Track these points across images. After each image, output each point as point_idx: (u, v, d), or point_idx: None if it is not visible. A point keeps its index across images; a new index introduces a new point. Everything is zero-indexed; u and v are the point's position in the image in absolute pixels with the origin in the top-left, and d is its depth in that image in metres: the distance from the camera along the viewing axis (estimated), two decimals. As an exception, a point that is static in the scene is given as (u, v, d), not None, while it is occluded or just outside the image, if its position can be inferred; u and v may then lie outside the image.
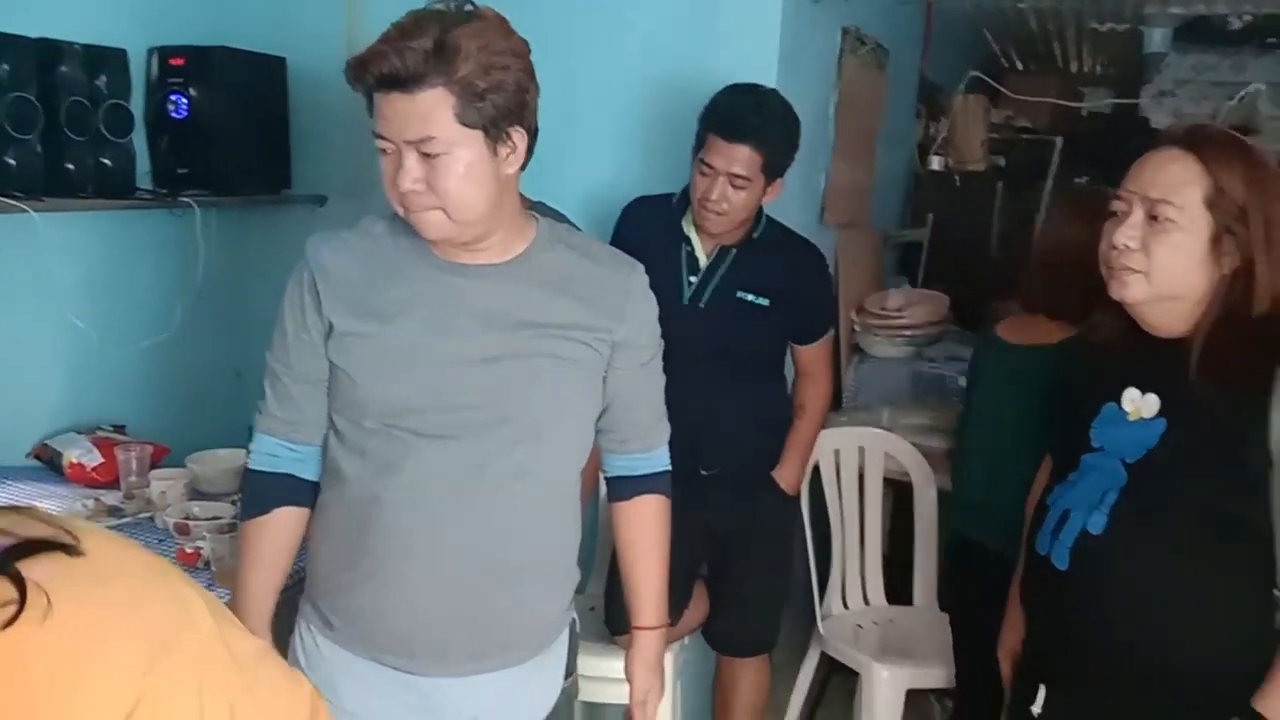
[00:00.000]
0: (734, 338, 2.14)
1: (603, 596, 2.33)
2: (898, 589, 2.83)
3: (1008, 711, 1.73)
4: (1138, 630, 1.41)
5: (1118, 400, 1.47)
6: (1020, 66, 5.96)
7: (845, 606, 2.76)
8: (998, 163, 4.35)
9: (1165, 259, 1.36)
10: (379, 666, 1.37)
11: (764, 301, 2.13)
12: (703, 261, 2.15)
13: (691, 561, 2.30)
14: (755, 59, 2.38)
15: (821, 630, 2.65)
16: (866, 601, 2.81)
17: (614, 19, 2.47)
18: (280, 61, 2.64)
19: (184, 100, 2.37)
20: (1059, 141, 4.40)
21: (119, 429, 2.31)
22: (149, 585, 0.69)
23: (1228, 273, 1.36)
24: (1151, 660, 1.41)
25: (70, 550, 0.65)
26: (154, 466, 2.14)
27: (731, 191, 2.02)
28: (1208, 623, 1.39)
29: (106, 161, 2.20)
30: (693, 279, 2.14)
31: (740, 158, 1.99)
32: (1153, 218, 1.37)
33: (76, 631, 0.61)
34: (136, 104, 2.33)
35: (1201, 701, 1.40)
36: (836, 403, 3.33)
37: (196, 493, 2.09)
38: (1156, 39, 4.57)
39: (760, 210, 2.14)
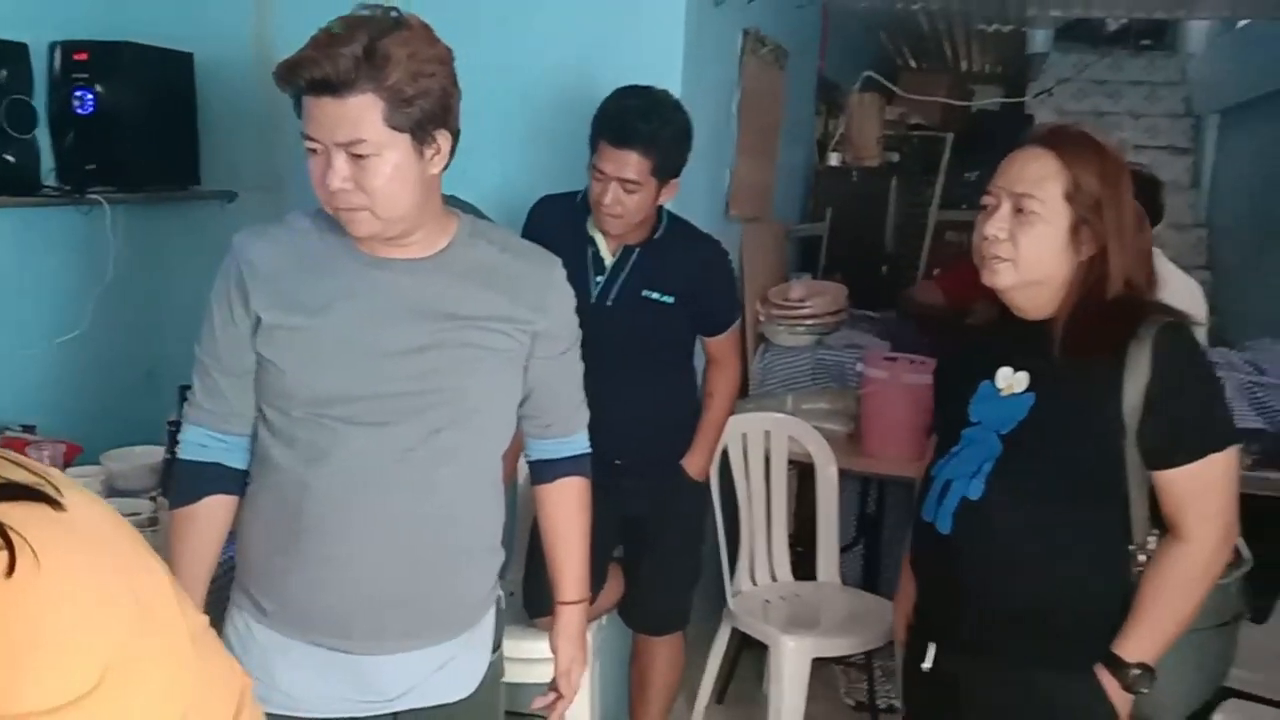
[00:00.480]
0: (642, 335, 2.21)
1: (521, 582, 2.40)
2: (805, 565, 2.98)
3: (902, 670, 1.87)
4: (1012, 585, 1.55)
5: (992, 378, 1.61)
6: (914, 65, 6.23)
7: (754, 583, 2.89)
8: (892, 158, 4.55)
9: (1030, 248, 1.50)
10: (314, 648, 1.42)
11: (669, 299, 2.20)
12: (608, 261, 2.21)
13: (606, 545, 2.39)
14: (660, 59, 2.47)
15: (732, 607, 2.78)
16: (774, 578, 2.94)
17: (519, 19, 2.52)
18: (187, 57, 2.63)
19: (90, 96, 2.35)
20: (949, 138, 4.63)
21: (28, 429, 2.29)
22: (136, 554, 0.70)
23: (1084, 259, 1.50)
24: (1024, 612, 1.55)
25: (54, 504, 0.64)
26: (67, 465, 2.13)
27: (624, 195, 2.08)
28: (1073, 576, 1.53)
29: (9, 158, 2.18)
30: (599, 279, 2.20)
31: (629, 163, 2.05)
32: (1019, 210, 1.50)
33: (65, 588, 0.61)
34: (39, 99, 2.31)
35: (1070, 647, 1.55)
36: (744, 390, 3.47)
37: (113, 490, 2.09)
38: (1039, 40, 4.84)
39: (661, 209, 2.22)
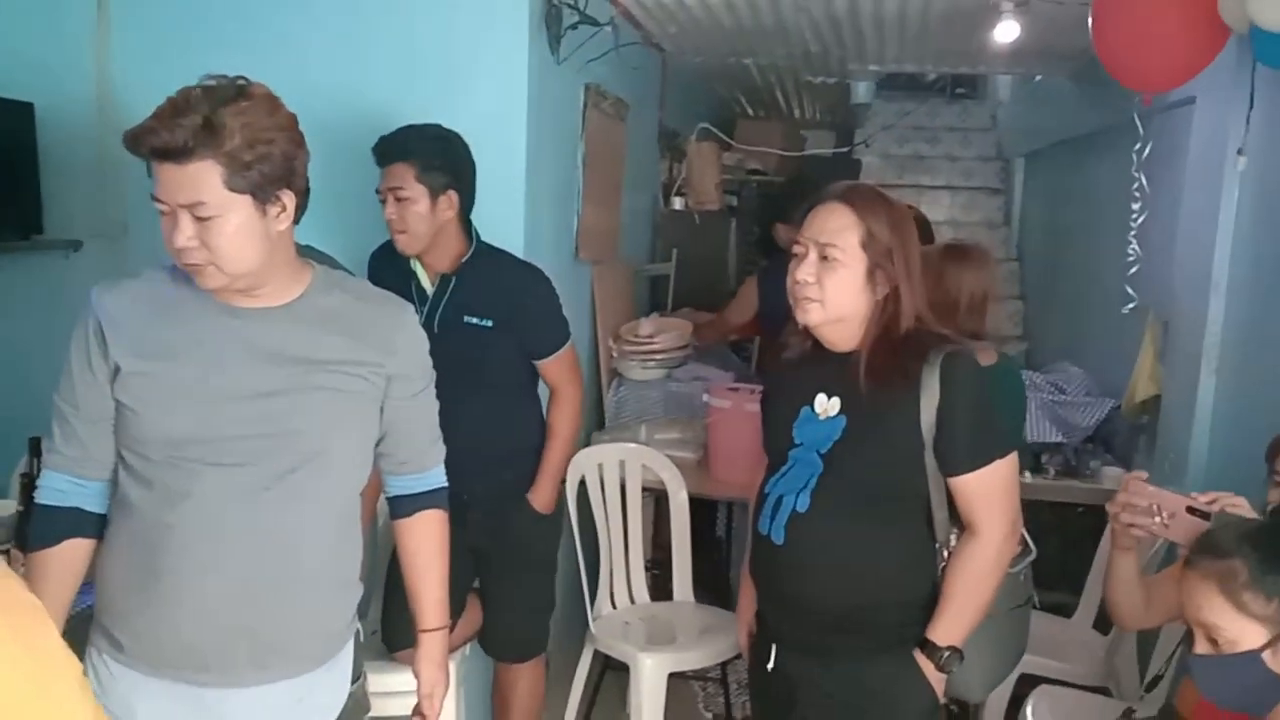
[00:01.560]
0: (470, 361, 2.28)
1: (379, 620, 2.44)
2: (664, 586, 3.13)
3: (749, 673, 2.04)
4: (837, 584, 1.74)
5: (811, 404, 1.81)
6: (750, 113, 6.58)
7: (614, 606, 3.02)
8: (731, 202, 4.82)
9: (834, 289, 1.71)
10: (171, 683, 1.46)
11: (488, 323, 2.30)
12: (428, 290, 2.32)
13: (461, 577, 2.46)
14: (505, 114, 2.61)
15: (593, 630, 2.90)
16: (633, 600, 3.08)
17: (362, 81, 2.62)
18: (28, 107, 2.61)
19: (-73, 147, 2.32)
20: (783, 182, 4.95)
21: None
22: (36, 622, 0.73)
23: (880, 298, 1.72)
24: (851, 609, 1.74)
25: None
26: (-93, 523, 2.07)
27: (401, 209, 2.23)
28: (889, 574, 1.74)
29: None
30: (423, 309, 2.30)
31: (395, 174, 2.22)
32: (824, 257, 1.71)
33: None
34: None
35: (891, 637, 1.75)
36: (600, 422, 3.63)
37: (-39, 546, 2.05)
38: (861, 91, 5.22)
39: (473, 236, 2.34)
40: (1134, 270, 2.80)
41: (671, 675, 3.15)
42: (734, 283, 4.78)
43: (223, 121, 1.33)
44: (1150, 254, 3.12)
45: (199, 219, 1.36)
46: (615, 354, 3.58)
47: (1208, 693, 1.39)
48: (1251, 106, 2.53)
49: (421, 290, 2.33)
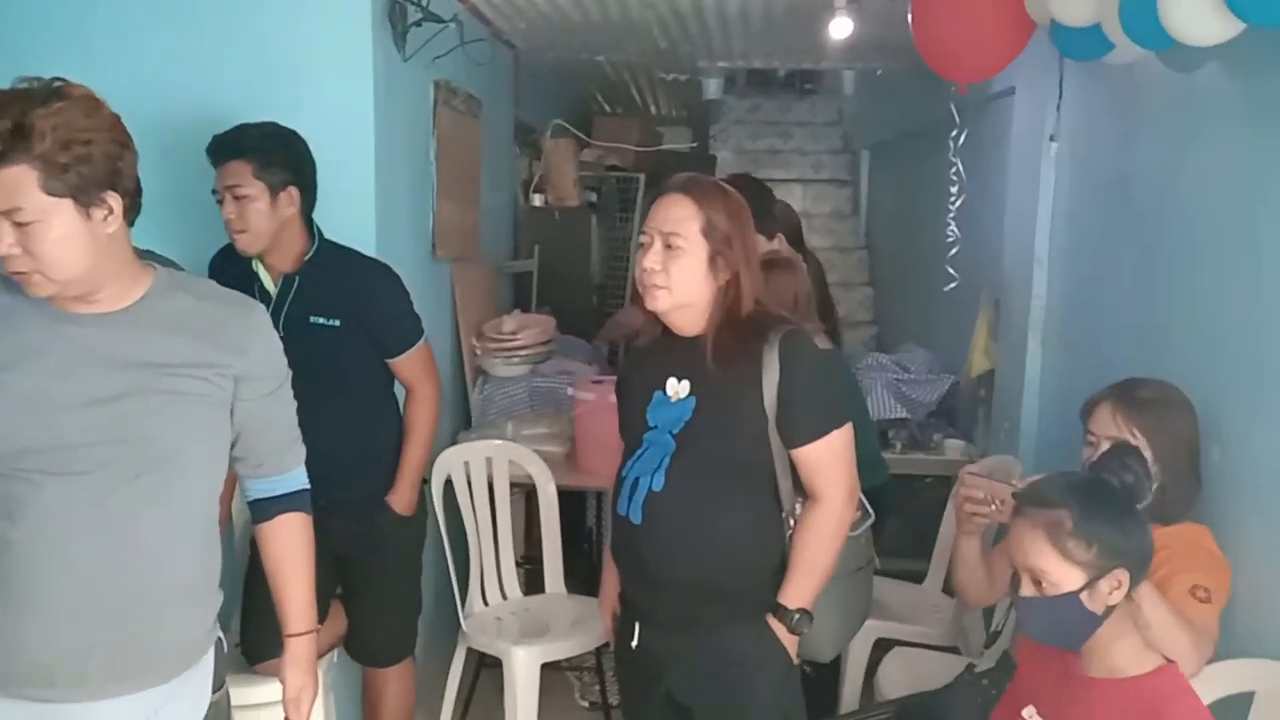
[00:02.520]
0: (319, 363, 2.20)
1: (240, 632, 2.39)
2: (539, 581, 3.14)
3: (615, 654, 2.09)
4: (693, 557, 1.80)
5: (663, 388, 1.88)
6: (608, 110, 6.65)
7: (485, 603, 3.03)
8: (591, 198, 4.87)
9: (679, 276, 1.78)
10: (20, 701, 1.41)
11: (335, 322, 2.27)
12: (271, 291, 2.28)
13: (325, 583, 2.42)
14: (351, 112, 2.59)
15: (465, 628, 2.90)
16: (504, 596, 3.09)
17: (201, 81, 2.55)
18: None
19: None
20: (642, 178, 5.02)
21: None
22: None
23: (722, 284, 1.80)
24: (706, 578, 1.81)
25: None
26: None
27: (240, 207, 2.19)
28: (741, 545, 1.82)
29: None
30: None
31: (232, 172, 2.18)
32: (668, 246, 1.78)
33: None
34: None
35: (746, 605, 1.83)
36: (466, 421, 3.62)
37: None
38: (712, 88, 5.35)
39: (315, 234, 2.31)
40: (954, 251, 2.98)
41: (547, 667, 3.18)
42: (600, 276, 4.84)
43: (33, 124, 1.30)
44: (983, 236, 3.32)
45: (18, 225, 1.33)
46: (479, 352, 3.58)
47: (1031, 631, 1.52)
48: (1061, 95, 2.74)
49: (264, 292, 2.28)
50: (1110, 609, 1.40)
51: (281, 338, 2.19)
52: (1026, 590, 1.43)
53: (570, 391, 3.38)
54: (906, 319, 4.94)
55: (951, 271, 2.99)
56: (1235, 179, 1.96)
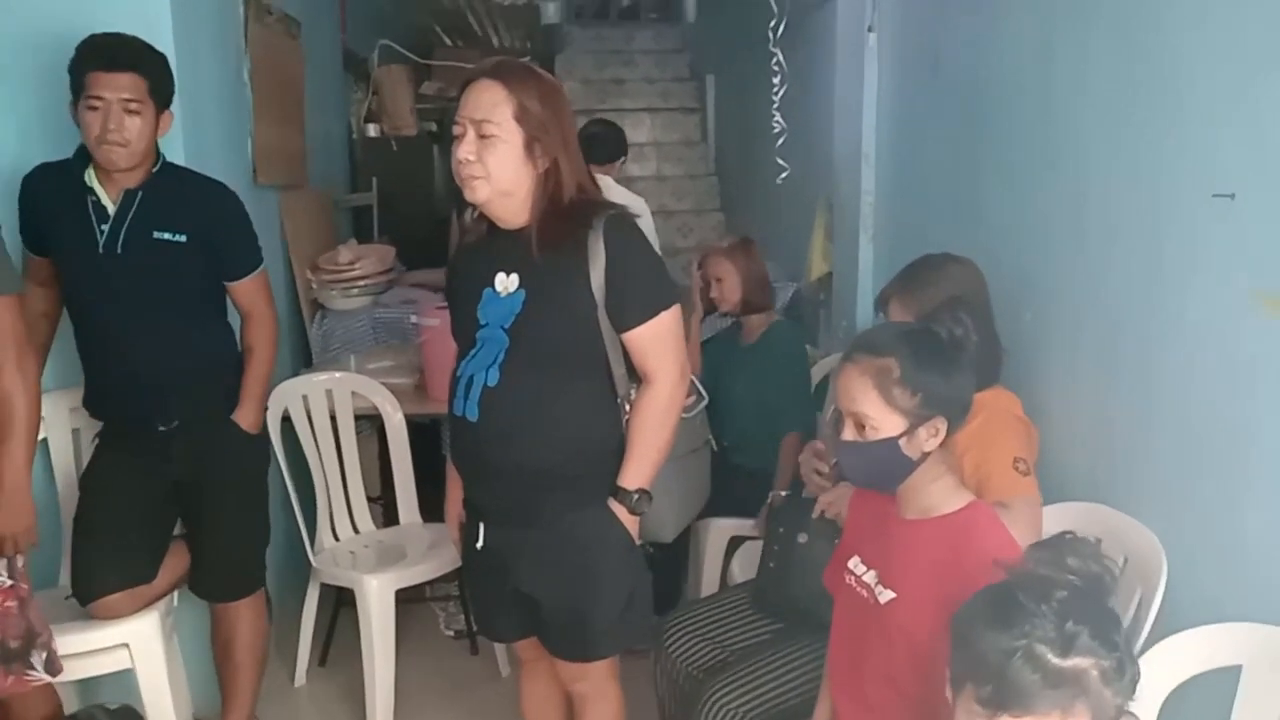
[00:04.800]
0: (160, 281, 2.18)
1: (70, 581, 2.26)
2: (396, 515, 3.08)
3: (462, 560, 2.06)
4: (532, 448, 1.77)
5: (492, 284, 1.83)
6: (449, 42, 6.45)
7: (336, 539, 2.95)
8: (430, 128, 4.72)
9: (495, 164, 1.73)
10: None
11: (181, 238, 2.19)
12: (110, 209, 2.16)
13: (162, 519, 2.33)
14: (148, 23, 2.39)
15: (315, 563, 2.81)
16: (356, 530, 3.02)
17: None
18: None
19: None
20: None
21: None
22: None
23: (541, 171, 1.76)
24: (545, 468, 1.79)
25: None
26: None
27: (128, 119, 2.09)
28: (577, 431, 1.80)
29: None
30: (104, 227, 2.15)
31: (125, 84, 2.08)
32: (481, 135, 1.72)
33: None
34: None
35: (587, 492, 1.81)
36: (306, 359, 3.48)
37: None
38: (550, 11, 5.25)
39: (157, 150, 2.21)
40: (780, 142, 3.01)
41: (411, 600, 3.14)
42: (442, 210, 4.70)
43: None
44: (817, 140, 3.37)
45: None
46: (315, 285, 3.43)
47: (849, 473, 1.56)
48: (878, -15, 2.77)
49: (101, 208, 2.17)
50: (926, 455, 1.45)
51: (120, 255, 2.15)
52: (848, 434, 1.46)
53: (413, 319, 3.29)
54: (756, 238, 5.00)
55: (781, 163, 3.03)
56: (1036, 47, 2.02)
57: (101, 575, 2.17)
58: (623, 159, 3.74)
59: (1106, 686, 0.98)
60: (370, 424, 3.27)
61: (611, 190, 2.75)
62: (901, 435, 1.43)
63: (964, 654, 1.03)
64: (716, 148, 6.43)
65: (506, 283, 1.82)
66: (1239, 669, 1.30)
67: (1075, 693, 0.97)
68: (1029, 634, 0.98)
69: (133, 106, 2.09)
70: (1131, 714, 1.02)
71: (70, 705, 2.31)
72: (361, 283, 3.43)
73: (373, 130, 4.49)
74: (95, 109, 2.08)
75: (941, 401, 1.43)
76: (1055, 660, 0.97)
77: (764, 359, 2.90)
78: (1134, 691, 1.02)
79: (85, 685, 2.30)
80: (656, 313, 1.78)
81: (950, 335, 1.46)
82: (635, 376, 1.83)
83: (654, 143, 6.46)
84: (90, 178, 2.16)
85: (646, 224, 3.38)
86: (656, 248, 3.42)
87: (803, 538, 1.94)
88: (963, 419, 1.48)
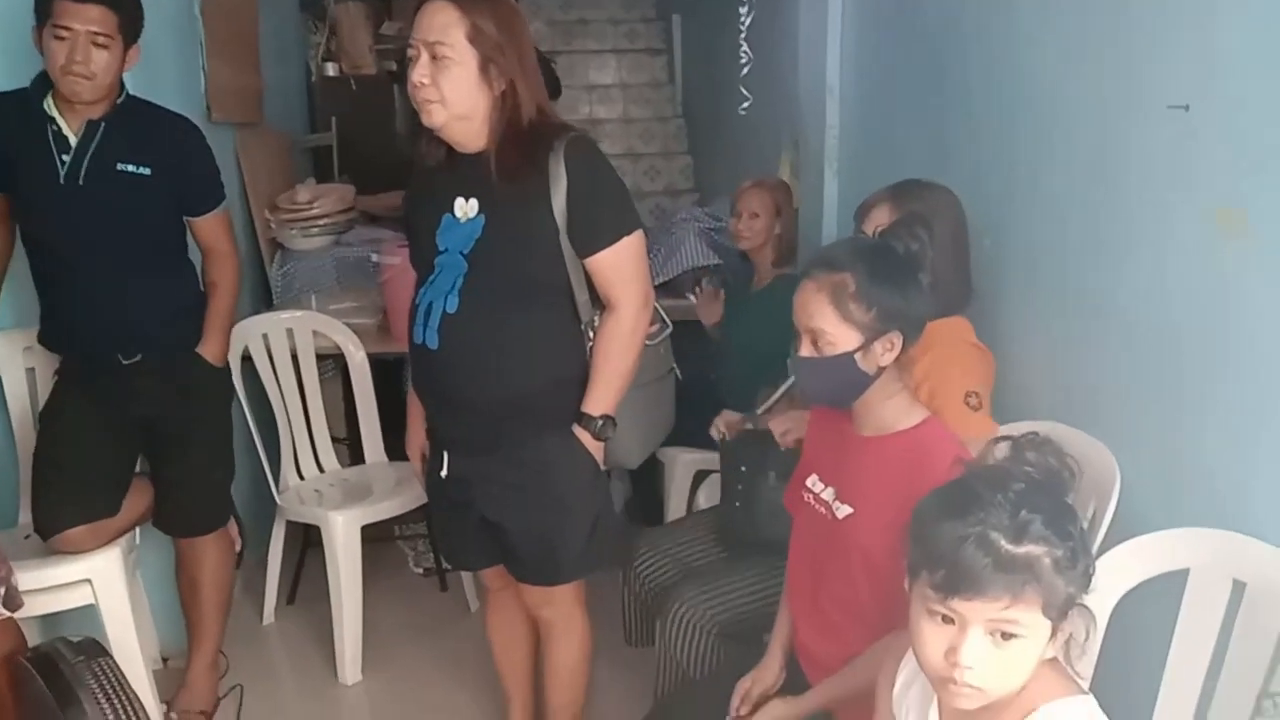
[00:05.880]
0: (123, 213, 2.14)
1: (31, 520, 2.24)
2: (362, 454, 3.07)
3: (427, 491, 2.06)
4: (494, 376, 1.77)
5: (451, 210, 1.81)
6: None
7: (301, 477, 2.94)
8: (390, 67, 4.63)
9: (450, 87, 1.70)
10: None
11: (146, 170, 2.15)
12: (72, 139, 2.11)
13: (126, 456, 2.30)
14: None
15: (280, 501, 2.81)
16: (321, 469, 3.01)
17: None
18: None
19: None
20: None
21: None
22: None
23: (498, 94, 1.73)
24: (508, 396, 1.78)
25: None
26: None
27: (95, 52, 2.03)
28: (540, 358, 1.80)
29: None
30: (65, 157, 2.10)
31: (95, 17, 2.02)
32: (434, 57, 1.69)
33: None
34: None
35: (552, 418, 1.82)
36: (268, 300, 3.44)
37: None
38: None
39: (121, 83, 2.16)
40: (745, 71, 2.97)
41: (380, 540, 3.15)
42: (405, 151, 4.62)
43: None
44: (781, 71, 3.34)
45: None
46: (274, 225, 3.38)
47: (805, 388, 1.57)
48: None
49: (62, 138, 2.11)
50: (882, 369, 1.46)
51: (82, 186, 2.11)
52: (805, 350, 1.47)
53: (375, 258, 3.25)
54: (723, 181, 4.98)
55: (744, 92, 3.00)
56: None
57: (62, 509, 2.15)
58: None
59: (1059, 575, 1.00)
60: (334, 365, 3.25)
61: None
62: (857, 350, 1.44)
63: (920, 543, 1.04)
64: (684, 90, 6.37)
65: (466, 208, 1.80)
66: (1187, 573, 1.33)
67: (1026, 578, 0.99)
68: (983, 521, 1.00)
69: (100, 40, 2.03)
70: (1085, 606, 1.05)
71: (34, 642, 2.29)
72: (321, 221, 3.38)
73: (331, 70, 4.40)
74: (62, 39, 2.01)
75: (897, 316, 1.44)
76: (1007, 546, 0.99)
77: (764, 308, 2.85)
78: (1088, 584, 1.04)
79: (49, 622, 2.29)
80: (620, 237, 1.77)
81: (907, 250, 1.46)
82: (598, 303, 1.83)
83: (620, 84, 6.38)
84: (50, 106, 2.10)
85: None
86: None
87: (772, 478, 1.95)
88: (918, 334, 1.48)
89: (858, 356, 1.44)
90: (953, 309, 1.83)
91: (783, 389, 2.18)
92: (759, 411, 2.18)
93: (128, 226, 2.17)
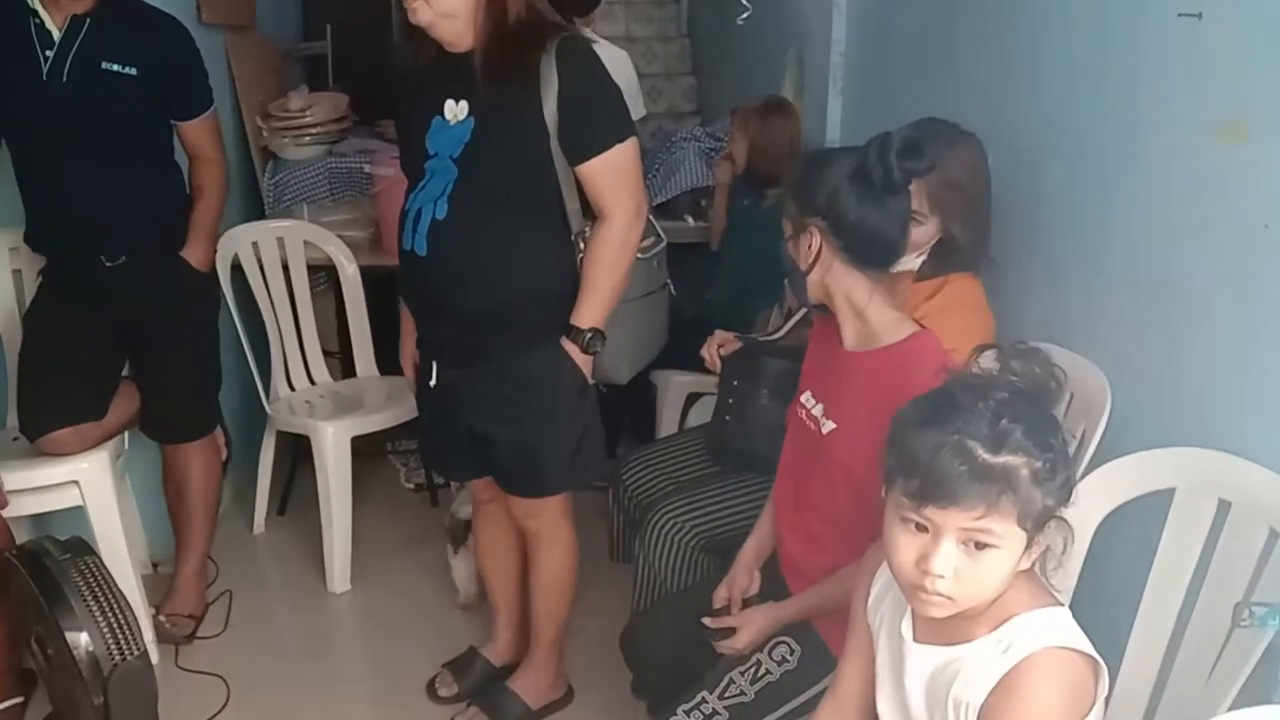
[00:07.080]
0: (107, 113, 2.09)
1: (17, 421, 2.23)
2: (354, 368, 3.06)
3: (416, 400, 2.05)
4: (483, 284, 1.75)
5: (441, 112, 1.76)
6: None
7: (292, 389, 2.93)
8: (388, -30, 4.49)
9: None
10: None
11: (132, 70, 2.09)
12: (55, 35, 2.05)
13: (109, 360, 2.28)
14: None
15: (270, 411, 2.80)
16: (312, 381, 3.00)
17: None
18: None
19: None
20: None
21: None
22: None
23: None
24: (497, 305, 1.76)
25: None
26: None
27: None
28: (530, 267, 1.77)
29: None
30: (48, 53, 2.04)
31: None
32: None
33: None
34: None
35: (540, 329, 1.80)
36: (260, 211, 3.39)
37: None
38: None
39: None
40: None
41: (371, 454, 3.14)
42: (400, 60, 4.52)
43: None
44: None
45: None
46: (266, 133, 3.31)
47: (796, 293, 1.57)
48: None
49: (45, 33, 2.05)
50: (813, 264, 1.44)
51: (66, 85, 2.05)
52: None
53: (367, 169, 3.20)
54: (726, 102, 4.88)
55: (744, 2, 2.92)
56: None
57: (47, 411, 2.15)
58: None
59: (1037, 486, 0.98)
60: (326, 277, 3.21)
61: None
62: (788, 241, 1.49)
63: (897, 451, 1.03)
64: (690, 8, 6.21)
65: (455, 110, 1.75)
66: (1172, 492, 1.32)
67: (1002, 489, 0.97)
68: (961, 429, 0.98)
69: None
70: (1063, 519, 1.03)
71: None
72: (314, 130, 3.30)
73: (326, -27, 4.27)
74: None
75: (809, 208, 1.44)
76: (985, 455, 0.97)
77: (763, 228, 2.81)
78: (1068, 497, 1.03)
79: (38, 523, 2.30)
80: (612, 145, 1.72)
81: (858, 156, 1.42)
82: (590, 213, 1.79)
83: (622, 1, 6.22)
84: None
85: (629, 81, 3.29)
86: (639, 111, 3.34)
87: (764, 395, 1.93)
88: (841, 230, 1.43)
89: (790, 248, 1.47)
90: (973, 263, 1.75)
91: (798, 316, 2.13)
92: (773, 337, 2.13)
93: (111, 126, 2.11)
